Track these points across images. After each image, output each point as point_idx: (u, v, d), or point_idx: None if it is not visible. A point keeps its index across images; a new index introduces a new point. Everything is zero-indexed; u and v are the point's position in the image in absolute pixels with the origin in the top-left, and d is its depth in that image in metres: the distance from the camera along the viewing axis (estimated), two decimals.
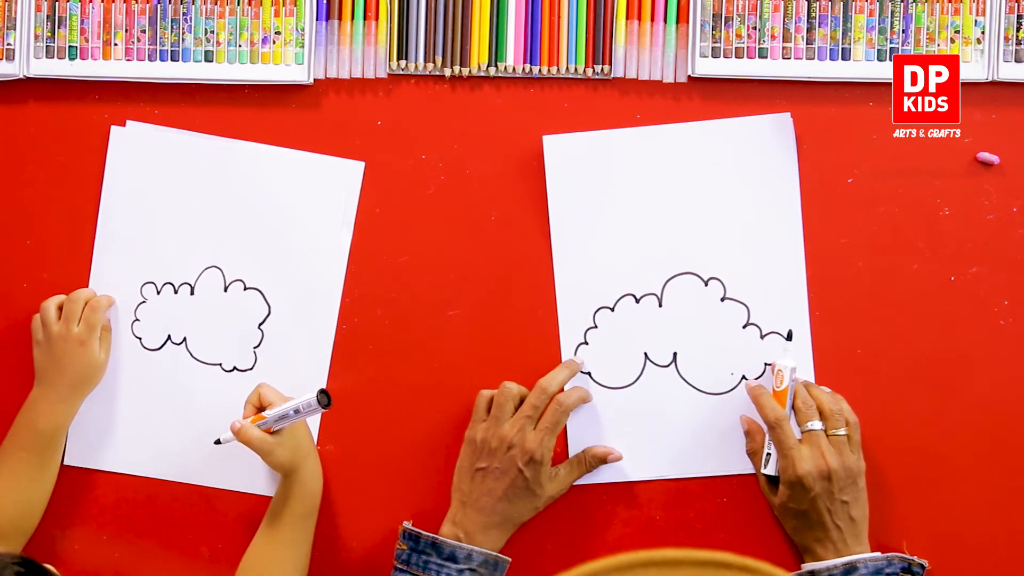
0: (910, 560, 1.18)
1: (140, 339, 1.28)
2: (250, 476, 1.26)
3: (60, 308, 1.25)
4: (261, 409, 1.20)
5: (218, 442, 1.22)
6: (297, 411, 1.17)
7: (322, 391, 1.17)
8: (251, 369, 1.27)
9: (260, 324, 1.27)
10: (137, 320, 1.28)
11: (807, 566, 1.17)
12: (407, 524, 1.21)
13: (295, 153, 1.27)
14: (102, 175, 1.28)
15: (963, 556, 1.23)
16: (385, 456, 1.26)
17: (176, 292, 1.28)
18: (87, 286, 1.27)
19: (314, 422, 1.26)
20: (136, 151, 1.28)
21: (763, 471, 1.19)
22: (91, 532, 1.28)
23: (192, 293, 1.28)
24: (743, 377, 1.23)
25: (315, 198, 1.26)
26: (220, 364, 1.28)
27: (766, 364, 1.22)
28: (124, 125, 1.28)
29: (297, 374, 1.26)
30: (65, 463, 1.27)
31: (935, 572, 1.22)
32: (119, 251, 1.28)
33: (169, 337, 1.28)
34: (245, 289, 1.27)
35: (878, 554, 1.16)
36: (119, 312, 1.28)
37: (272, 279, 1.27)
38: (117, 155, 1.28)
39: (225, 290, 1.27)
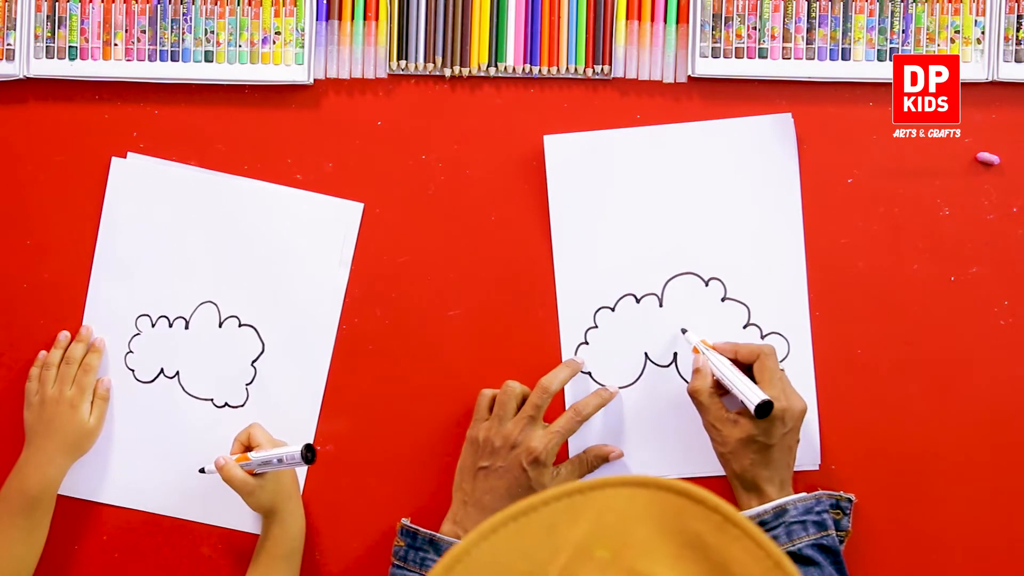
0: (837, 496, 1.19)
1: (133, 371, 1.28)
2: (239, 513, 1.25)
3: (46, 366, 1.25)
4: (249, 448, 1.21)
5: (202, 471, 1.23)
6: (280, 460, 1.17)
7: (308, 446, 1.16)
8: (242, 406, 1.27)
9: (253, 361, 1.27)
10: (131, 352, 1.28)
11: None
12: (405, 521, 1.22)
13: (296, 192, 1.26)
14: (102, 175, 1.28)
15: (963, 555, 1.23)
16: (385, 456, 1.26)
17: (171, 326, 1.27)
18: (83, 316, 1.27)
19: (310, 416, 1.25)
20: (136, 183, 1.27)
21: (728, 406, 1.16)
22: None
23: (187, 327, 1.27)
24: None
25: (314, 237, 1.26)
26: (212, 399, 1.27)
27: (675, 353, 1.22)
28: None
29: (288, 413, 1.26)
30: (57, 493, 1.26)
31: (935, 573, 1.23)
32: (115, 283, 1.27)
33: (162, 370, 1.28)
34: (240, 326, 1.27)
35: (804, 494, 1.16)
36: (113, 343, 1.27)
37: (267, 317, 1.27)
38: (117, 187, 1.27)
39: (220, 326, 1.27)
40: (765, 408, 1.12)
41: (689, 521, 0.69)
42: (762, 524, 1.13)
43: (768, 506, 1.14)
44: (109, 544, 1.28)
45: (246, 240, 1.27)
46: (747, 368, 1.18)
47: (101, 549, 1.28)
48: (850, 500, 1.20)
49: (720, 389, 1.18)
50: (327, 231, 1.26)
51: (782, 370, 1.19)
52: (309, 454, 1.16)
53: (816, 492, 1.17)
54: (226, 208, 1.27)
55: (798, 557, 1.12)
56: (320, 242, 1.26)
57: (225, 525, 1.27)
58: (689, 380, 1.20)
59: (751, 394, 1.13)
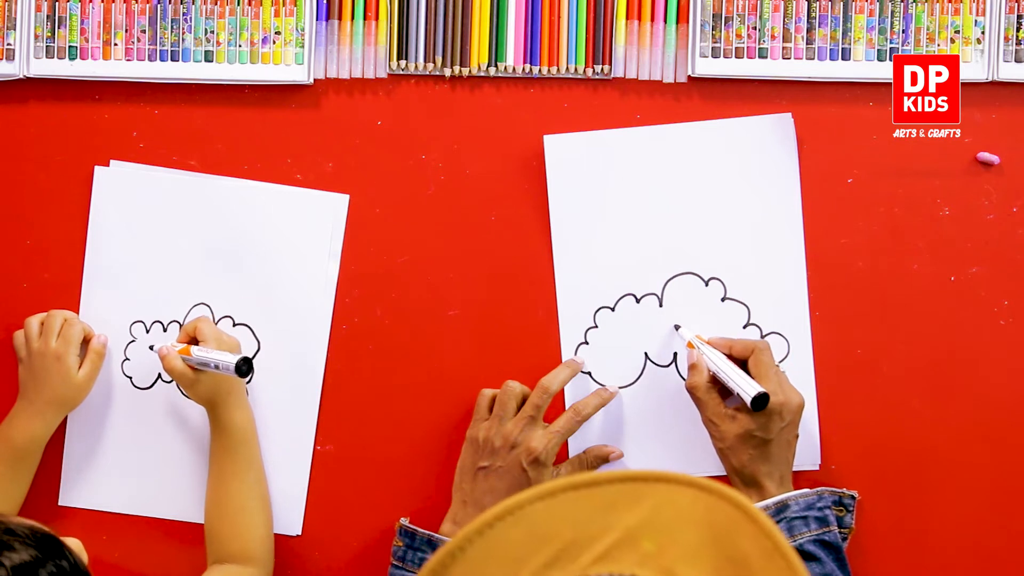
0: (840, 493, 1.19)
1: (131, 378, 1.28)
2: None
3: (42, 324, 1.25)
4: (195, 340, 1.21)
5: (152, 348, 1.24)
6: (217, 366, 1.17)
7: (245, 359, 1.16)
8: None
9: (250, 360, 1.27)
10: (127, 359, 1.27)
11: None
12: (404, 521, 1.22)
13: (280, 188, 1.26)
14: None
15: (962, 554, 1.23)
16: (385, 456, 1.26)
17: (165, 330, 1.27)
18: None
19: (309, 413, 1.25)
20: (120, 191, 1.27)
21: (726, 402, 1.17)
22: None
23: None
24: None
25: (301, 232, 1.26)
26: None
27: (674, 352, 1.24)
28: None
29: (287, 409, 1.26)
30: (59, 504, 1.27)
31: (934, 571, 1.23)
32: (107, 292, 1.27)
33: (159, 376, 1.27)
34: (235, 325, 1.27)
35: (806, 490, 1.16)
36: (109, 351, 1.27)
37: (261, 314, 1.27)
38: (101, 196, 1.27)
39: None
40: (761, 401, 1.12)
41: (740, 538, 0.67)
42: None
43: (769, 501, 1.14)
44: (109, 545, 1.28)
45: (234, 239, 1.27)
46: (742, 364, 1.18)
47: (101, 550, 1.27)
48: (853, 497, 1.20)
49: (718, 385, 1.18)
50: (314, 225, 1.26)
51: (778, 365, 1.19)
52: (244, 367, 1.16)
53: (818, 488, 1.17)
54: (211, 208, 1.27)
55: (799, 552, 1.12)
56: (308, 236, 1.26)
57: None
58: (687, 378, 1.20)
59: (747, 387, 1.13)
